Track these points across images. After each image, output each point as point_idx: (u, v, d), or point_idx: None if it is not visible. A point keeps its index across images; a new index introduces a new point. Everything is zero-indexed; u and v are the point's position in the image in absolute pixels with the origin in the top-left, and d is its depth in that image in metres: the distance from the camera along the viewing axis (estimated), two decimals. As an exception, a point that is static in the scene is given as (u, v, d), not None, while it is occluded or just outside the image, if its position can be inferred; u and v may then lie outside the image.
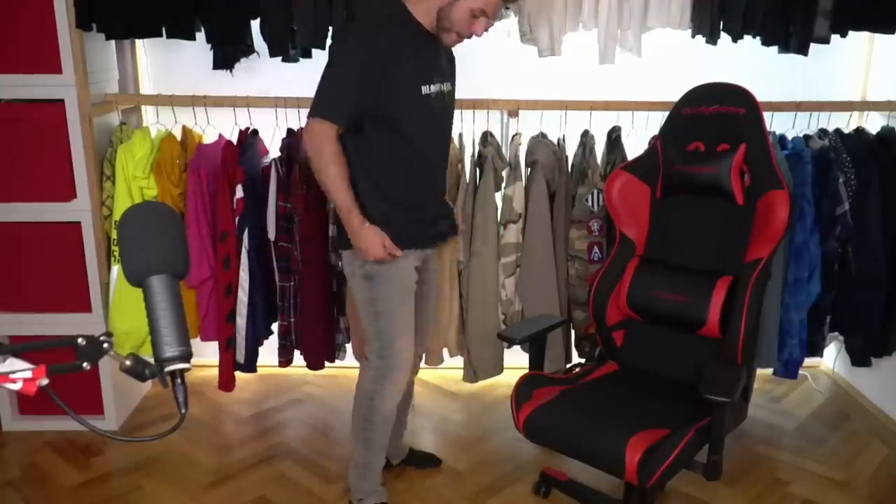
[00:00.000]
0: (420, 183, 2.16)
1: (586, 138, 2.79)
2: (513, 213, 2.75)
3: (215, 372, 2.84)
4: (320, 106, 1.96)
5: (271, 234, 2.75)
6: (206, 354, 3.07)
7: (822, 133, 2.82)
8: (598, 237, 2.78)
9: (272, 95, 2.70)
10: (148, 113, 3.04)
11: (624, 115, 2.83)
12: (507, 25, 2.72)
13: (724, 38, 2.64)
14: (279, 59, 2.64)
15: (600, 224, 2.77)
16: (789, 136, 2.81)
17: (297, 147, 2.72)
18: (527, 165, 2.79)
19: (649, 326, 2.32)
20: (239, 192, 2.67)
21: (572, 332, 2.92)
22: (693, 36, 2.66)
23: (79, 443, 2.76)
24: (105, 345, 0.95)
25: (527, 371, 2.26)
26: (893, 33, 2.66)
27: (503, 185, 2.78)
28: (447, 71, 2.17)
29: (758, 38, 2.67)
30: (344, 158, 1.99)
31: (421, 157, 2.12)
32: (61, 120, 2.56)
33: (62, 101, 2.55)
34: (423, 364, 2.67)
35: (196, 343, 2.83)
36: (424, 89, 2.04)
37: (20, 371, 0.94)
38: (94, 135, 2.62)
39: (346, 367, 3.03)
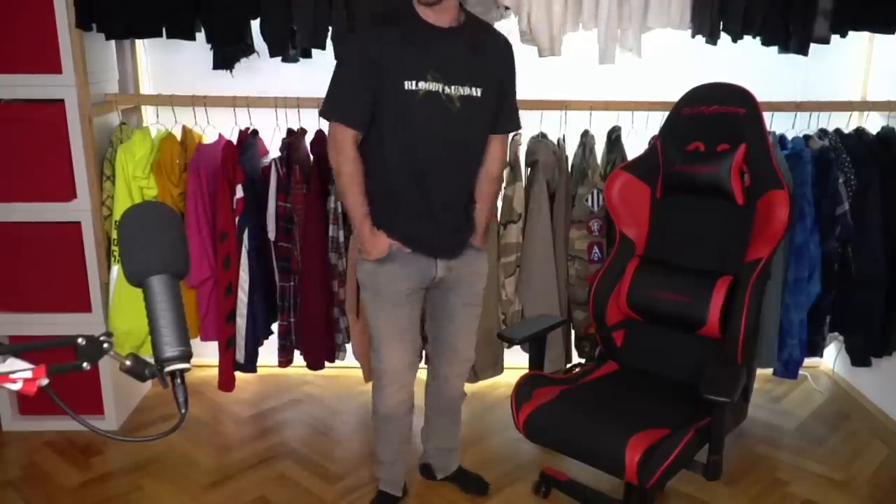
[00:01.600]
0: (408, 189, 2.05)
1: (586, 138, 2.79)
2: (513, 213, 2.75)
3: (215, 372, 2.84)
4: (333, 108, 2.00)
5: (271, 234, 2.75)
6: (206, 354, 3.07)
7: (822, 133, 2.82)
8: (598, 237, 2.78)
9: (272, 95, 2.70)
10: (148, 113, 3.04)
11: (624, 115, 2.83)
12: (507, 25, 2.72)
13: (724, 38, 2.64)
14: (279, 59, 2.64)
15: (600, 224, 2.77)
16: (789, 136, 2.81)
17: (297, 147, 2.72)
18: (527, 165, 2.79)
19: (649, 326, 2.32)
20: (239, 192, 2.67)
21: (572, 332, 2.92)
22: (693, 36, 2.66)
23: (79, 443, 2.76)
24: (105, 345, 0.95)
25: (527, 371, 2.26)
26: (893, 33, 2.66)
27: (503, 185, 2.78)
28: (470, 73, 2.01)
29: (758, 38, 2.67)
30: (359, 163, 2.01)
31: (407, 159, 2.01)
32: (61, 120, 2.56)
33: (62, 101, 2.55)
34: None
35: (196, 343, 2.83)
36: (408, 85, 1.94)
37: (20, 371, 0.94)
38: (94, 135, 2.62)
39: (346, 367, 3.03)
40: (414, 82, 1.94)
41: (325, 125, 2.70)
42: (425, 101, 1.96)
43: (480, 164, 2.16)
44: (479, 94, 2.02)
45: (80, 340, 0.94)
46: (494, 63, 2.09)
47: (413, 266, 2.10)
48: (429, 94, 1.96)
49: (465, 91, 2.00)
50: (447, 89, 1.98)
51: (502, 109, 2.14)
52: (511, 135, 2.75)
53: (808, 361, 2.91)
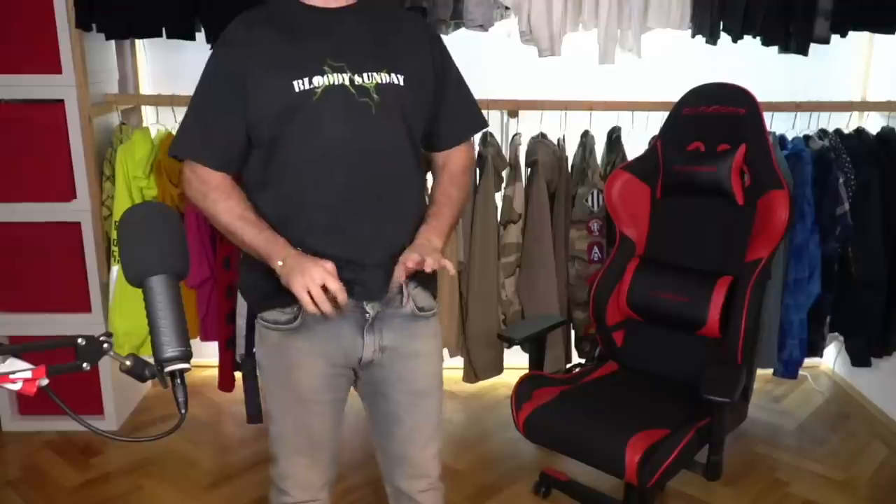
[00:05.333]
0: (317, 223, 1.47)
1: (586, 138, 2.80)
2: (513, 213, 2.75)
3: (215, 372, 2.84)
4: (180, 143, 1.53)
5: (271, 235, 2.73)
6: (206, 354, 3.06)
7: (822, 133, 2.82)
8: (598, 237, 2.78)
9: (272, 95, 2.70)
10: (148, 113, 3.04)
11: (624, 115, 2.83)
12: (507, 25, 2.72)
13: (724, 38, 2.64)
14: (279, 59, 2.63)
15: (600, 224, 2.77)
16: (789, 136, 2.81)
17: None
18: (527, 165, 2.79)
19: (649, 326, 2.32)
20: (239, 193, 2.66)
21: (572, 332, 2.92)
22: (693, 36, 2.66)
23: (79, 443, 2.76)
24: (105, 345, 0.95)
25: (527, 371, 2.26)
26: (893, 33, 2.66)
27: (503, 185, 2.78)
28: (384, 56, 1.48)
29: (758, 38, 2.67)
30: (235, 192, 1.49)
31: (312, 183, 1.46)
32: (61, 120, 2.56)
33: (62, 101, 2.55)
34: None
35: (196, 343, 2.83)
36: (299, 85, 1.42)
37: (20, 371, 0.94)
38: (94, 135, 2.62)
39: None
40: (306, 80, 1.43)
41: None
42: (326, 99, 1.43)
43: (418, 183, 1.58)
44: (401, 82, 1.48)
45: (80, 341, 0.94)
46: (417, 44, 1.55)
47: (331, 338, 1.51)
48: (331, 90, 1.43)
49: (383, 78, 1.46)
50: (357, 78, 1.45)
51: (444, 110, 1.59)
52: (511, 135, 2.68)
53: (808, 361, 2.91)
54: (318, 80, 1.43)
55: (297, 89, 1.42)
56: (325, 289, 1.36)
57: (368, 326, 1.52)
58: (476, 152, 1.82)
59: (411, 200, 1.55)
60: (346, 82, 1.44)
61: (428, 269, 1.40)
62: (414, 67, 1.51)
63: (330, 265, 1.39)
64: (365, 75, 1.45)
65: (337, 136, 1.45)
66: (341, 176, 1.46)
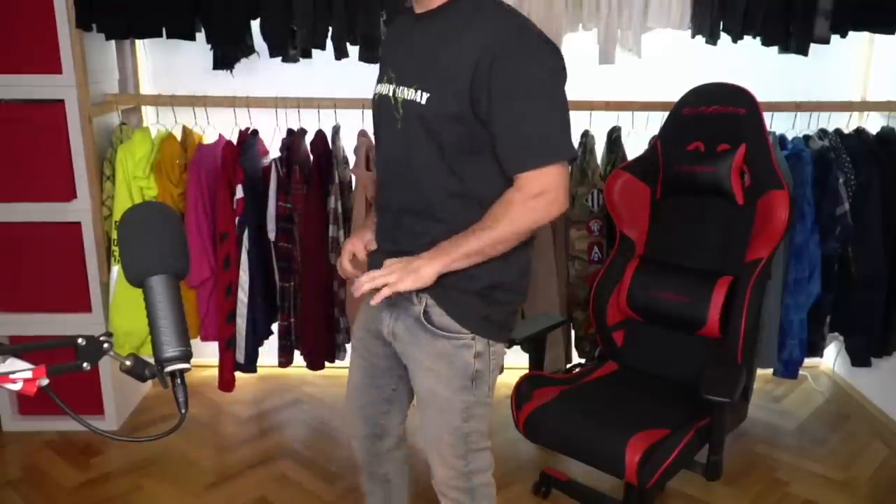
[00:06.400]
0: (378, 209, 1.70)
1: (586, 138, 2.79)
2: (513, 213, 2.75)
3: (215, 372, 2.84)
4: None
5: (271, 235, 2.75)
6: (206, 354, 3.07)
7: (822, 133, 2.82)
8: (598, 237, 2.78)
9: (272, 95, 2.70)
10: (148, 113, 3.04)
11: (624, 115, 2.83)
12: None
13: (724, 38, 2.64)
14: (279, 59, 2.64)
15: (600, 224, 2.77)
16: (789, 136, 2.81)
17: (296, 147, 2.72)
18: (527, 165, 2.79)
19: (649, 326, 2.32)
20: (239, 193, 2.67)
21: (572, 332, 2.92)
22: (693, 36, 2.66)
23: (79, 443, 2.76)
24: (105, 345, 0.95)
25: (527, 371, 2.26)
26: (893, 33, 2.66)
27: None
28: (422, 71, 1.46)
29: (758, 38, 2.67)
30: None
31: (380, 182, 1.67)
32: (61, 120, 2.56)
33: (62, 101, 2.55)
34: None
35: (196, 343, 2.83)
36: (376, 89, 1.61)
37: (20, 371, 0.94)
38: (94, 135, 2.62)
39: (346, 367, 3.01)
40: (378, 85, 1.60)
41: (325, 125, 2.73)
42: (378, 107, 1.59)
43: (443, 204, 1.50)
44: (423, 101, 1.44)
45: (80, 341, 0.94)
46: (464, 59, 1.40)
47: (369, 300, 1.52)
48: (381, 100, 1.56)
49: (410, 94, 1.46)
50: (397, 91, 1.50)
51: (495, 135, 1.43)
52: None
53: (808, 361, 2.91)
54: (378, 88, 1.59)
55: (374, 94, 1.61)
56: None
57: (389, 307, 1.59)
58: (550, 186, 1.45)
59: (431, 219, 1.51)
60: (390, 93, 1.53)
61: (356, 293, 1.47)
62: (444, 85, 1.42)
63: (350, 245, 1.69)
64: (401, 88, 1.50)
65: (381, 142, 1.62)
66: (382, 179, 1.64)
